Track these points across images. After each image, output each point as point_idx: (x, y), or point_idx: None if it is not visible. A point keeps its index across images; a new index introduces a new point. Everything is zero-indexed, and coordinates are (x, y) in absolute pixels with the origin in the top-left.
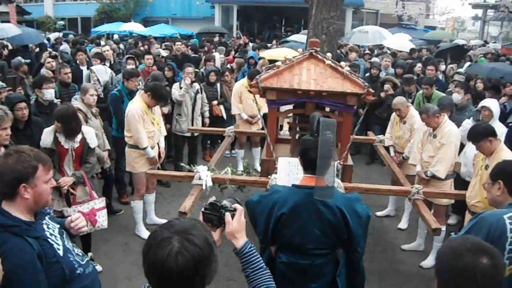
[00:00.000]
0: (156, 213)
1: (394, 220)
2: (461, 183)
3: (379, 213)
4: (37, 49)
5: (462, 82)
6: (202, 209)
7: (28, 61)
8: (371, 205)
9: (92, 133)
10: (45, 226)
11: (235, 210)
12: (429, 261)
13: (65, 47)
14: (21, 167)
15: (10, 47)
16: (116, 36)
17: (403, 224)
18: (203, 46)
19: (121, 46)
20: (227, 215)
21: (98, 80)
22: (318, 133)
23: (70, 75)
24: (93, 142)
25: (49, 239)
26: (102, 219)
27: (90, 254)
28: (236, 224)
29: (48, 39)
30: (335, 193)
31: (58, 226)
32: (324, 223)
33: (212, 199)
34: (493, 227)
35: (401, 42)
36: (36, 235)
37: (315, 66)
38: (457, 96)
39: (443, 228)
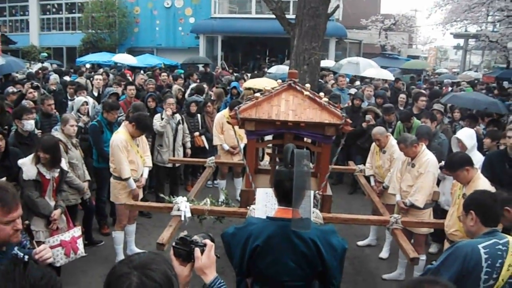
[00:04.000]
0: (137, 244)
1: (375, 249)
2: (441, 212)
3: (360, 243)
4: (24, 79)
5: (427, 111)
6: (173, 244)
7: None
8: (353, 234)
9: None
10: (16, 255)
11: (205, 245)
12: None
13: (54, 77)
14: None
15: None
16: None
17: (384, 253)
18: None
19: (111, 76)
20: (197, 250)
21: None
22: (292, 165)
23: (53, 106)
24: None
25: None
26: (81, 246)
27: None
28: (206, 260)
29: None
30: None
31: (27, 256)
32: (298, 255)
33: (183, 233)
34: (468, 257)
35: (381, 72)
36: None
37: (293, 97)
38: None
39: (423, 257)
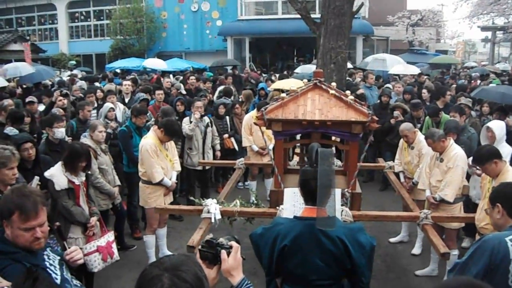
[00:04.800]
0: (169, 247)
1: (407, 246)
2: (472, 206)
3: (392, 240)
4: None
5: (456, 105)
6: (199, 247)
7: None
8: (385, 231)
9: None
10: (45, 257)
11: (231, 247)
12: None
13: (81, 83)
14: (1, 206)
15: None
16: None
17: (416, 249)
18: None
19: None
20: (223, 253)
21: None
22: (317, 164)
23: (92, 112)
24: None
25: (48, 269)
26: (116, 250)
27: None
28: (232, 261)
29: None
30: (337, 223)
31: (58, 257)
32: (326, 254)
33: (209, 236)
34: (495, 250)
35: (408, 67)
36: (35, 263)
37: (319, 96)
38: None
39: (455, 252)
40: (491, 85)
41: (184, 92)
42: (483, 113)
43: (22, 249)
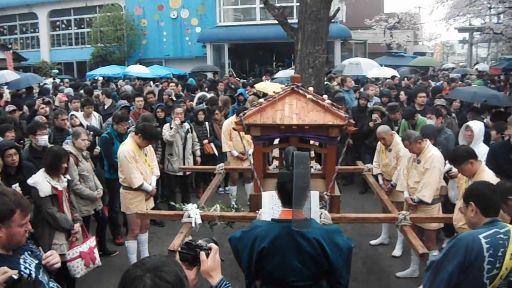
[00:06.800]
0: (151, 253)
1: (388, 248)
2: (452, 206)
3: (372, 242)
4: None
5: (432, 107)
6: (179, 249)
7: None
8: (365, 234)
9: None
10: (21, 261)
11: (210, 249)
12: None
13: (68, 90)
14: (0, 209)
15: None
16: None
17: (397, 251)
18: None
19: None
20: (202, 254)
21: (81, 124)
22: (293, 166)
23: (66, 121)
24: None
25: (22, 272)
26: (98, 256)
27: None
28: (211, 263)
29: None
30: (314, 225)
31: (36, 261)
32: (304, 255)
33: (188, 238)
34: (470, 247)
35: (384, 70)
36: (9, 266)
37: (297, 100)
38: (430, 122)
39: (434, 253)
40: (473, 85)
41: (174, 98)
42: (453, 108)
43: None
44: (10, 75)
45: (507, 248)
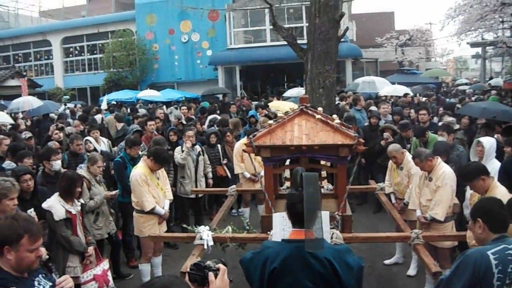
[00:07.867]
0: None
1: (402, 267)
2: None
3: (387, 261)
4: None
5: (444, 124)
6: (187, 270)
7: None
8: (380, 253)
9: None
10: (36, 283)
11: (218, 269)
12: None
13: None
14: (8, 232)
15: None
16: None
17: (412, 270)
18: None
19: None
20: (211, 275)
21: (95, 149)
22: (302, 187)
23: (81, 146)
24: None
25: None
26: (111, 278)
27: None
28: (220, 283)
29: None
30: (324, 244)
31: (50, 284)
32: (315, 275)
33: (197, 259)
34: (478, 264)
35: (397, 88)
36: None
37: (306, 121)
38: (442, 139)
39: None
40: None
41: (184, 122)
42: (462, 125)
43: (14, 276)
44: (30, 102)
45: None
